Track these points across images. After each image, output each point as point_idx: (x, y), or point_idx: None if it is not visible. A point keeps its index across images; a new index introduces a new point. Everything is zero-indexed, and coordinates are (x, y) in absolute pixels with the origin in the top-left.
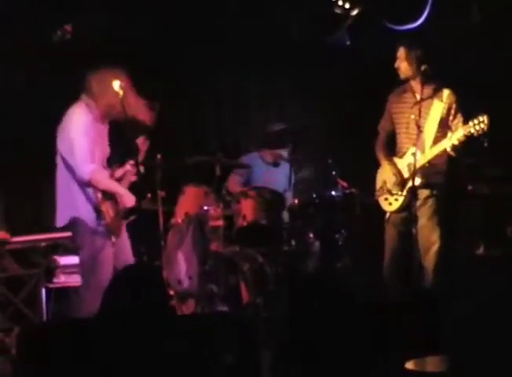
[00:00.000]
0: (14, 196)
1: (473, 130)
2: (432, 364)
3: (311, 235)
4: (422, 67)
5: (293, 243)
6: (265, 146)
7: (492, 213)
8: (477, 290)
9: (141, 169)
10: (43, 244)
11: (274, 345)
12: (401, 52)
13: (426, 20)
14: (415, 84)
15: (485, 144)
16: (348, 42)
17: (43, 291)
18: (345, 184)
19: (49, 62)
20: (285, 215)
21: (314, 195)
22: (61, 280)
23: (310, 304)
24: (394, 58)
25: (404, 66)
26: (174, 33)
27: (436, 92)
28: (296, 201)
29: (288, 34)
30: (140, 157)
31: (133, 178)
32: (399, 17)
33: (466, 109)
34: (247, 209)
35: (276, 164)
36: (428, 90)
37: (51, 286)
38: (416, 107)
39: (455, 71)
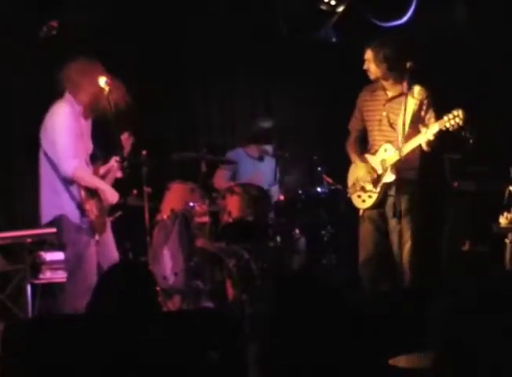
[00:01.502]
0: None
1: (448, 125)
2: (417, 360)
3: (297, 231)
4: (408, 64)
5: (278, 239)
6: (251, 142)
7: (478, 209)
8: (462, 287)
9: (125, 165)
10: (29, 240)
11: (259, 342)
12: (368, 54)
13: (412, 16)
14: (386, 82)
15: (471, 141)
16: (334, 39)
17: (29, 287)
18: (330, 180)
19: (35, 58)
20: (271, 211)
21: (300, 192)
22: (47, 275)
23: (296, 300)
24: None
25: (372, 67)
26: (162, 31)
27: (407, 89)
28: (282, 197)
29: (275, 32)
30: (125, 154)
31: (119, 175)
32: (385, 14)
33: (452, 107)
34: (233, 205)
35: (261, 158)
36: (399, 87)
37: (37, 282)
38: (388, 104)
39: (442, 68)
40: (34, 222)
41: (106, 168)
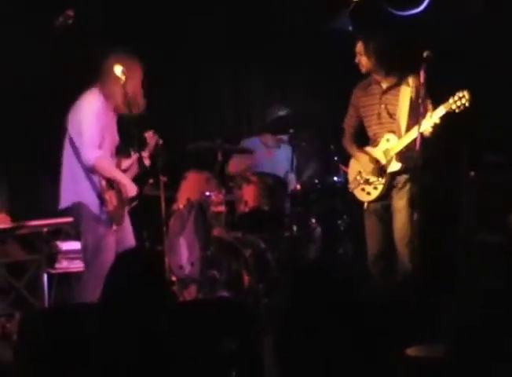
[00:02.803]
0: (16, 182)
1: (454, 106)
2: (432, 350)
3: (313, 221)
4: (425, 54)
5: (295, 228)
6: (266, 130)
7: (494, 199)
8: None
9: (147, 162)
10: (45, 230)
11: (275, 332)
12: (359, 47)
13: (429, 5)
14: (378, 75)
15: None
16: (350, 28)
17: (45, 277)
18: (347, 169)
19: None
20: (287, 201)
21: (316, 181)
22: (63, 265)
23: (311, 292)
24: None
25: (363, 60)
26: (176, 19)
27: (400, 78)
28: (298, 187)
29: (291, 20)
30: (148, 151)
31: (137, 170)
32: (401, 2)
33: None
34: (249, 195)
35: (276, 146)
36: (392, 78)
37: (53, 271)
38: (384, 96)
39: (458, 57)
40: (51, 212)
41: (129, 162)
